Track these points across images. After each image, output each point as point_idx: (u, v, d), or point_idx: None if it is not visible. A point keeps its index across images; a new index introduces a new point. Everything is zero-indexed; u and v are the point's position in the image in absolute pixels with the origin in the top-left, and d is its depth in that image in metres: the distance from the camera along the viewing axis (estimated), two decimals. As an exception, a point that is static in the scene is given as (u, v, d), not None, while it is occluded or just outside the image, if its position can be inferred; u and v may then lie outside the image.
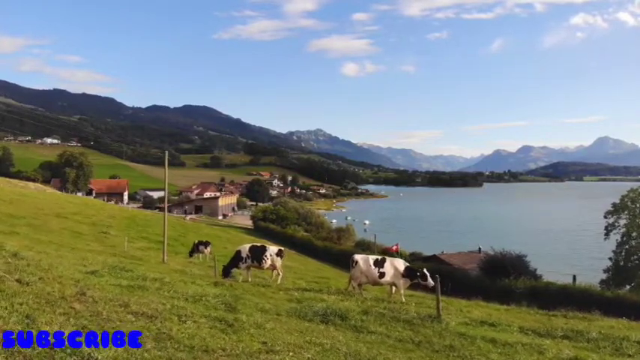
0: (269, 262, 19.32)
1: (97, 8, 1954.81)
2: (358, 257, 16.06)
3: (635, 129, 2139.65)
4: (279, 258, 19.59)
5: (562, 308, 15.60)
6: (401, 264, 15.63)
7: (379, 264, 15.41)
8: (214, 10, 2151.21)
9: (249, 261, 19.35)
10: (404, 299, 14.68)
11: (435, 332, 8.53)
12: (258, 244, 20.65)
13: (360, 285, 15.74)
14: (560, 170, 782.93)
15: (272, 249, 19.79)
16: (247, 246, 20.12)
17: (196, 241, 33.97)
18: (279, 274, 19.38)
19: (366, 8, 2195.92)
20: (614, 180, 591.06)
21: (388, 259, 15.83)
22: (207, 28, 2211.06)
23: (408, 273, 15.45)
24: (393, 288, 15.71)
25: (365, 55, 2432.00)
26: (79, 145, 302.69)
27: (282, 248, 20.60)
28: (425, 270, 15.28)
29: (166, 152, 26.42)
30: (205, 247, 32.18)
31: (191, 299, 8.37)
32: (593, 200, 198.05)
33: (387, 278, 15.35)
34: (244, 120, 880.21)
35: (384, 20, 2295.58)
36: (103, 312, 5.40)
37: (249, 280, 18.64)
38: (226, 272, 19.45)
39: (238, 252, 19.72)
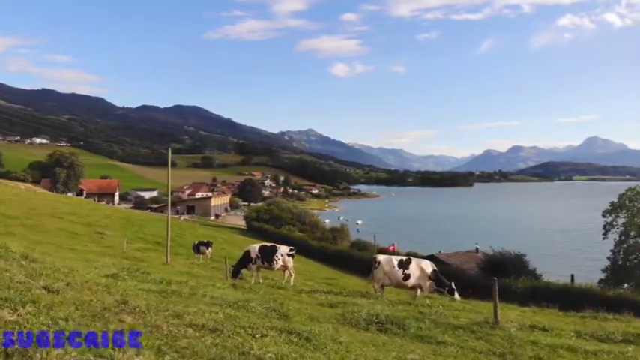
0: (280, 262, 18.59)
1: (86, 9, 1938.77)
2: (381, 258, 15.25)
3: (623, 129, 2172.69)
4: (290, 258, 18.86)
5: (590, 309, 15.10)
6: (428, 265, 14.90)
7: (404, 265, 14.66)
8: (203, 10, 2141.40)
9: (258, 261, 18.66)
10: (429, 301, 13.99)
11: (508, 341, 7.82)
12: (268, 244, 19.85)
13: (382, 287, 14.95)
14: (550, 170, 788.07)
15: (283, 249, 19.02)
16: (257, 246, 19.38)
17: (196, 242, 33.25)
18: (291, 275, 18.68)
19: (355, 9, 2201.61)
20: (603, 180, 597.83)
21: (414, 260, 15.07)
22: (197, 28, 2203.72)
23: (436, 276, 14.78)
24: (418, 291, 14.92)
25: (355, 56, 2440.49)
26: (68, 145, 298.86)
27: (293, 247, 19.84)
28: (453, 284, 14.79)
29: (169, 150, 25.57)
30: (207, 248, 31.41)
31: (235, 306, 7.59)
32: (584, 200, 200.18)
33: (412, 280, 14.62)
34: (235, 120, 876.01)
35: (374, 21, 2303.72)
36: (162, 326, 4.63)
37: (260, 281, 17.94)
38: (235, 273, 18.77)
39: (247, 252, 19.01)
